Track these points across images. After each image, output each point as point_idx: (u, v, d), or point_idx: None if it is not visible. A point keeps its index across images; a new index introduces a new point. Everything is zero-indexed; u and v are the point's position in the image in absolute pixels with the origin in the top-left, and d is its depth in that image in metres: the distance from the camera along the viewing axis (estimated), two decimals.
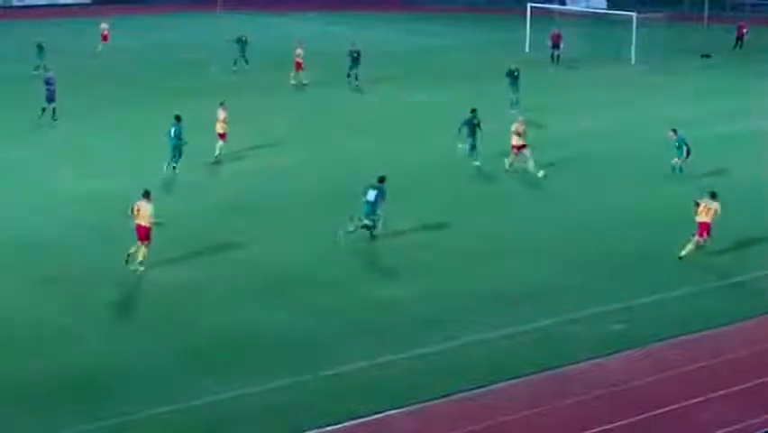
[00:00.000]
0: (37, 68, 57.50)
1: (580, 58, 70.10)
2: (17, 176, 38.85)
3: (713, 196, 30.18)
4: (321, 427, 20.82)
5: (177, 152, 38.87)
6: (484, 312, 26.52)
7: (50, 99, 47.35)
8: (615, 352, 24.32)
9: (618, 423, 21.06)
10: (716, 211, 30.03)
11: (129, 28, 78.59)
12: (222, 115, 41.26)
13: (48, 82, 47.92)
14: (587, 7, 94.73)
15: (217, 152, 41.08)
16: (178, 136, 38.77)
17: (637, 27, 69.02)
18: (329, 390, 22.51)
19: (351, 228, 31.25)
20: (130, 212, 29.18)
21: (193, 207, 34.80)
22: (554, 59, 68.56)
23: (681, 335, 25.27)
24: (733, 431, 20.70)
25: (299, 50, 59.60)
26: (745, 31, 76.31)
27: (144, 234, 29.08)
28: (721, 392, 22.35)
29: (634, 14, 69.95)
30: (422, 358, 23.95)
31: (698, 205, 30.23)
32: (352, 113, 52.13)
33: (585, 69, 67.29)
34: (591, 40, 79.22)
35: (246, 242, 31.58)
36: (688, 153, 39.02)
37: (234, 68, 63.38)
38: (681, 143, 39.23)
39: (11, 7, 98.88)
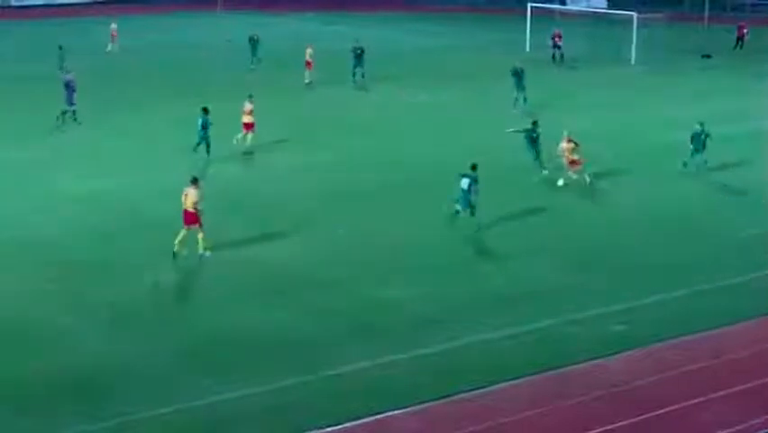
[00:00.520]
0: (60, 68, 57.61)
1: (580, 58, 70.11)
2: (19, 176, 38.81)
3: None
4: (321, 427, 20.82)
5: (204, 142, 40.28)
6: (485, 312, 26.52)
7: (71, 102, 46.67)
8: (616, 352, 24.31)
9: (619, 423, 21.06)
10: None
11: (131, 28, 78.50)
12: (248, 107, 42.49)
13: (68, 85, 47.07)
14: (587, 7, 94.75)
15: (244, 142, 42.33)
16: (204, 127, 40.08)
17: (638, 27, 69.03)
18: (330, 390, 22.49)
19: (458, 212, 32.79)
20: (183, 198, 30.02)
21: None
22: (555, 59, 68.65)
23: (682, 335, 25.26)
24: (734, 432, 20.70)
25: (309, 50, 59.88)
26: (745, 31, 76.30)
27: (191, 220, 29.79)
28: (722, 393, 22.35)
29: (634, 14, 69.95)
30: (423, 358, 23.94)
31: None
32: (353, 111, 52.13)
33: (585, 69, 67.29)
34: (592, 40, 79.23)
35: (246, 241, 31.55)
36: (702, 149, 39.34)
37: (252, 66, 64.05)
38: (704, 138, 39.35)
39: (9, 7, 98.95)
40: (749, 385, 22.73)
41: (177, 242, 29.90)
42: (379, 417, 21.32)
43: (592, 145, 39.28)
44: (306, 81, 59.26)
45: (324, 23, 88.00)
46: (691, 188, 38.19)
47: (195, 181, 30.27)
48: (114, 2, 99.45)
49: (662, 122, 49.13)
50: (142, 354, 24.14)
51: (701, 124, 39.68)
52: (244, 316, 26.31)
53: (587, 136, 39.26)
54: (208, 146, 40.53)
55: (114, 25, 72.13)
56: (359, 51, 60.03)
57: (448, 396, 22.14)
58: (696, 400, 22.02)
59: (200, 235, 29.95)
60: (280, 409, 21.65)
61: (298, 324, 25.81)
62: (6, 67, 63.54)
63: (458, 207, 32.91)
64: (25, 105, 50.72)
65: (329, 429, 20.78)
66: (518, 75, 52.59)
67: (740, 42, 76.19)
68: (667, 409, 21.62)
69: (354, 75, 59.64)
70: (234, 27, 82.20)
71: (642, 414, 21.41)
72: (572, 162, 37.37)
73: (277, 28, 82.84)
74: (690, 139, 39.72)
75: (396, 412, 21.50)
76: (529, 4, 75.16)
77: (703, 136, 39.54)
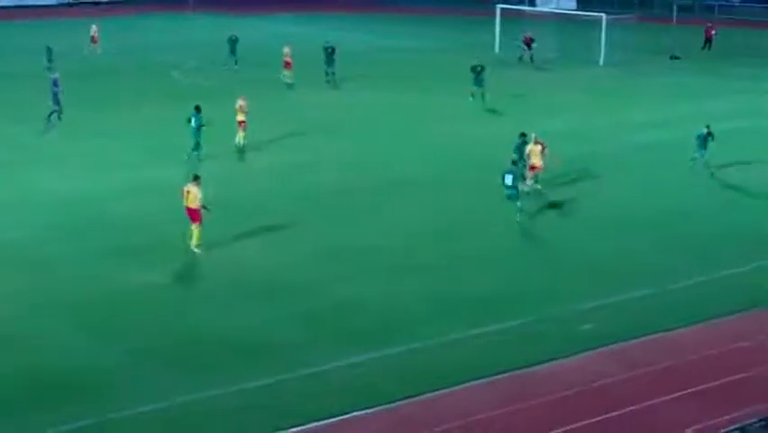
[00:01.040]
0: (49, 68, 57.50)
1: (549, 59, 70.48)
2: None
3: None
4: (292, 427, 20.86)
5: (197, 142, 40.67)
6: (453, 313, 26.62)
7: (56, 101, 47.31)
8: (583, 351, 24.46)
9: (587, 421, 21.21)
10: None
11: (104, 30, 78.14)
12: (241, 103, 43.28)
13: (54, 84, 47.72)
14: (556, 8, 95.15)
15: (238, 141, 43.08)
16: (198, 126, 40.48)
17: (607, 28, 69.39)
18: (301, 390, 22.50)
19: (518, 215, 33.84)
20: (181, 195, 30.63)
21: (170, 207, 34.67)
22: (523, 59, 69.03)
23: (650, 333, 25.46)
24: (701, 429, 20.86)
25: (287, 50, 60.05)
26: (713, 32, 76.86)
27: (194, 216, 30.42)
28: (688, 391, 22.51)
29: (603, 16, 70.29)
30: (391, 358, 24.02)
31: None
32: (332, 112, 52.22)
33: (555, 70, 67.62)
34: (561, 41, 79.64)
35: (223, 244, 31.59)
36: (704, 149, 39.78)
37: (234, 67, 64.10)
38: (707, 140, 39.66)
39: None
40: (716, 383, 22.90)
41: (189, 242, 30.57)
42: (348, 417, 21.39)
43: (563, 146, 39.49)
44: (288, 81, 59.28)
45: (297, 24, 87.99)
46: (662, 188, 38.41)
47: (196, 178, 30.89)
48: (82, 4, 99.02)
49: (632, 123, 49.49)
50: (118, 355, 24.10)
51: (708, 126, 39.91)
52: (220, 317, 26.29)
53: (558, 137, 39.52)
54: (198, 145, 40.74)
55: (93, 27, 71.58)
56: (330, 50, 60.49)
57: (417, 396, 22.24)
58: (662, 399, 22.17)
59: (197, 231, 30.54)
60: (252, 409, 21.69)
61: (271, 325, 25.83)
62: None
63: (518, 203, 33.97)
64: None
65: (297, 429, 20.86)
66: (477, 72, 53.91)
67: (708, 44, 76.72)
68: (634, 408, 21.78)
69: (327, 73, 60.19)
70: (207, 28, 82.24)
71: (609, 412, 21.54)
72: (532, 168, 37.11)
73: (250, 29, 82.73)
74: (696, 138, 40.02)
75: (365, 412, 21.59)
76: (498, 6, 75.41)
77: (709, 138, 39.76)
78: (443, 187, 38.05)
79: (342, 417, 21.36)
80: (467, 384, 22.77)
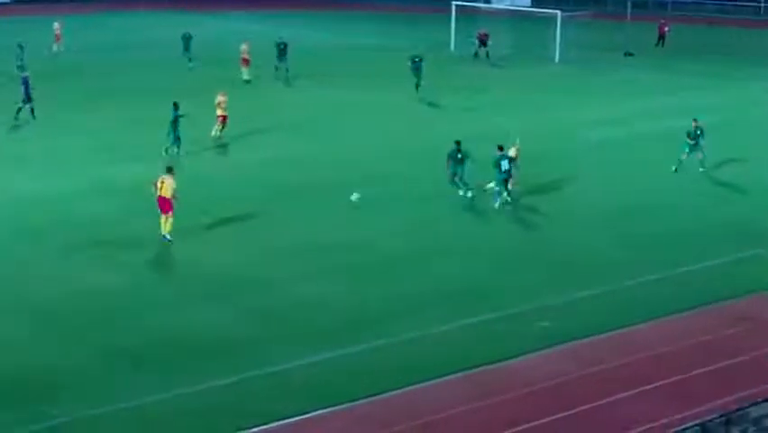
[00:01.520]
0: (20, 67, 57.00)
1: (504, 56, 70.64)
2: None
3: None
4: (254, 427, 20.81)
5: (176, 138, 41.27)
6: (412, 311, 26.69)
7: (27, 99, 47.55)
8: (540, 349, 24.55)
9: (545, 420, 21.30)
10: None
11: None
12: (221, 98, 44.00)
13: (25, 82, 48.03)
14: (511, 5, 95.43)
15: (214, 133, 44.17)
16: (174, 122, 41.00)
17: (561, 25, 69.65)
18: (259, 390, 22.49)
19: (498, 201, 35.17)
20: (153, 187, 31.19)
21: (135, 205, 34.52)
22: (478, 56, 69.19)
23: (606, 331, 25.59)
24: (658, 426, 20.96)
25: (245, 47, 59.85)
26: (666, 29, 77.38)
27: (166, 206, 31.03)
28: (645, 388, 22.65)
29: (558, 13, 70.55)
30: (348, 357, 24.03)
31: None
32: (283, 109, 52.13)
33: (510, 67, 67.81)
34: (516, 38, 79.88)
35: (186, 241, 31.48)
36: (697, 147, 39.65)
37: (191, 65, 63.99)
38: (701, 135, 39.56)
39: None
40: (672, 380, 23.06)
41: (161, 230, 30.97)
42: (309, 416, 21.38)
43: (522, 144, 39.60)
44: (246, 78, 59.07)
45: (258, 22, 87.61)
46: (619, 185, 38.63)
47: (170, 170, 31.78)
48: (35, 2, 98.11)
49: (587, 120, 49.74)
50: (78, 356, 23.99)
51: (696, 120, 39.86)
52: (181, 316, 26.26)
53: (513, 134, 39.59)
54: (178, 140, 41.29)
55: (56, 24, 70.45)
56: (282, 46, 60.88)
57: (376, 395, 22.26)
58: (619, 396, 22.31)
59: (169, 220, 31.14)
60: (214, 409, 21.65)
61: (231, 324, 25.80)
62: None
63: (496, 188, 35.16)
64: None
65: (258, 429, 20.81)
66: (416, 62, 55.82)
67: (662, 40, 77.24)
68: (592, 405, 21.90)
69: (277, 69, 60.59)
70: (160, 26, 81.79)
71: (567, 410, 21.65)
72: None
73: (204, 26, 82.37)
74: (686, 135, 39.96)
75: (325, 411, 21.58)
76: (453, 3, 75.50)
77: (699, 132, 39.68)
78: (405, 183, 38.16)
79: (300, 417, 21.32)
80: (424, 383, 22.79)
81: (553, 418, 21.41)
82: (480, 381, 23.11)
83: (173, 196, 31.07)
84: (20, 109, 47.35)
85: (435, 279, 29.06)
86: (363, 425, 21.34)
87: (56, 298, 27.35)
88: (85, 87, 57.50)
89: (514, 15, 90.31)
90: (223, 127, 44.32)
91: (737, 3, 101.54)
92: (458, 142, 36.28)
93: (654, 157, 41.96)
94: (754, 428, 18.72)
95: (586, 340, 25.13)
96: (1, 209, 34.81)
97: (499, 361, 23.91)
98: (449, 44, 73.33)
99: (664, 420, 21.10)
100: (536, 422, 21.22)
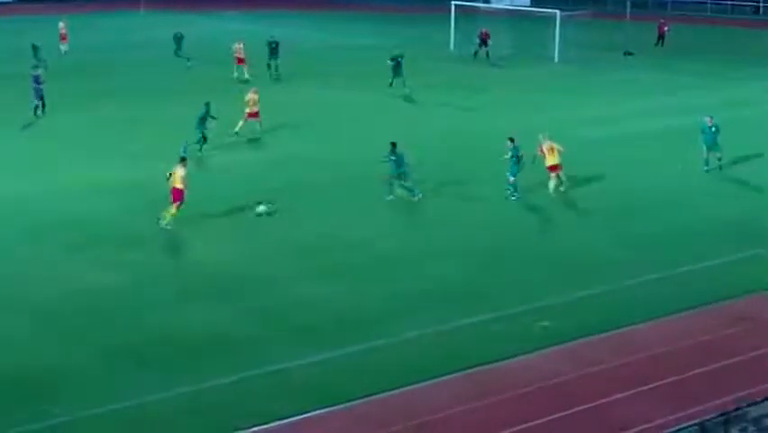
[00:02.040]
0: (35, 66, 57.03)
1: (504, 56, 70.62)
2: None
3: None
4: (252, 426, 20.83)
5: (203, 136, 41.58)
6: (411, 312, 26.68)
7: (39, 97, 48.13)
8: (539, 349, 24.55)
9: (542, 420, 21.30)
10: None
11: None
12: (252, 96, 44.71)
13: (36, 80, 48.60)
14: (511, 5, 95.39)
15: (237, 130, 44.48)
16: (202, 120, 41.30)
17: (561, 25, 69.64)
18: (258, 390, 22.52)
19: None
20: (167, 176, 32.28)
21: (135, 205, 34.59)
22: (478, 56, 69.15)
23: (605, 331, 25.59)
24: (657, 426, 20.96)
25: (239, 46, 59.91)
26: (666, 28, 77.37)
27: (177, 196, 32.02)
28: (642, 388, 22.64)
29: (557, 12, 70.54)
30: (350, 357, 24.05)
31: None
32: (282, 109, 52.05)
33: (509, 67, 67.77)
34: (516, 38, 79.82)
35: (186, 240, 31.49)
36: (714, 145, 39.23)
37: (188, 65, 63.84)
38: (717, 132, 39.23)
39: None
40: (671, 380, 23.07)
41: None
42: (306, 416, 21.39)
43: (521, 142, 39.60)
44: (244, 77, 58.82)
45: (252, 22, 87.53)
46: (619, 184, 38.62)
47: (183, 160, 33.09)
48: (33, 1, 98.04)
49: (586, 119, 49.70)
50: (79, 355, 24.01)
51: (711, 118, 39.52)
52: (181, 315, 26.29)
53: (515, 134, 39.55)
54: (205, 140, 41.51)
55: (61, 24, 70.05)
56: (273, 45, 61.05)
57: (373, 394, 22.27)
58: (619, 396, 22.31)
59: (172, 210, 31.90)
60: (210, 409, 21.66)
61: (230, 323, 25.82)
62: None
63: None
64: None
65: (256, 429, 20.83)
66: (396, 61, 55.99)
67: (661, 40, 77.24)
68: (590, 406, 21.90)
69: (269, 67, 60.76)
70: (159, 26, 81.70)
71: (565, 410, 21.65)
72: (553, 168, 36.55)
73: (203, 26, 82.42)
74: (701, 133, 39.71)
75: (322, 412, 21.59)
76: (453, 3, 75.47)
77: (714, 129, 39.36)
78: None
79: (299, 416, 21.34)
80: (422, 383, 22.80)
81: (552, 418, 21.41)
82: (479, 380, 23.11)
83: (184, 186, 31.89)
84: (36, 107, 47.92)
85: (435, 279, 29.05)
86: (362, 424, 21.36)
87: (56, 297, 27.39)
88: (85, 87, 57.41)
89: (513, 15, 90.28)
90: (259, 124, 45.00)
91: (737, 3, 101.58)
92: (393, 144, 36.02)
93: (654, 156, 42.00)
94: (754, 428, 18.72)
95: (585, 340, 25.13)
96: (1, 209, 34.81)
97: (498, 361, 23.90)
98: (448, 44, 73.30)
99: (663, 420, 21.08)
100: (535, 422, 21.22)
